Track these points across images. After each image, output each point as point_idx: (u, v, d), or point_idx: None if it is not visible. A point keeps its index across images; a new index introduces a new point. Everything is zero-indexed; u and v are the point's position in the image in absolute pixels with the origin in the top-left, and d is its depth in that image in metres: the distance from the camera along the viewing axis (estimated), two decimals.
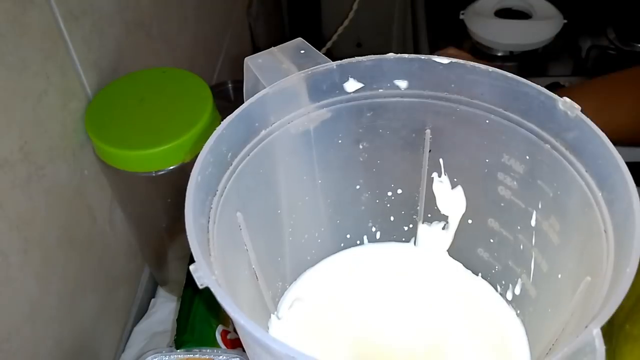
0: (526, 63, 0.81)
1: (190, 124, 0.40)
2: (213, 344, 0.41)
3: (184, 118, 0.41)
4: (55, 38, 0.38)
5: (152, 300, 0.55)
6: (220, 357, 0.38)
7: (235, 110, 0.29)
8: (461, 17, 0.83)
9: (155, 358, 0.39)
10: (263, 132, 0.31)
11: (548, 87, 0.33)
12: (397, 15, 1.22)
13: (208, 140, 0.28)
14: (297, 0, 1.27)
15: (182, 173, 0.41)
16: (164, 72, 0.45)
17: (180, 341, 0.40)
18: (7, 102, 0.34)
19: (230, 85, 0.60)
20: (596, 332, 0.20)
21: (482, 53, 0.82)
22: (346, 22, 1.08)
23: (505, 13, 0.83)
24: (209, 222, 0.27)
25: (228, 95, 0.58)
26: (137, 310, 0.53)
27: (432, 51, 0.84)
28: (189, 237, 0.24)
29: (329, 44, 1.08)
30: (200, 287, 0.23)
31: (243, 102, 0.30)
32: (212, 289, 0.22)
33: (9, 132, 0.35)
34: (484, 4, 0.84)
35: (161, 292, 0.55)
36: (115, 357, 0.50)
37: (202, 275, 0.23)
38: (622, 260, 0.23)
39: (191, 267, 0.23)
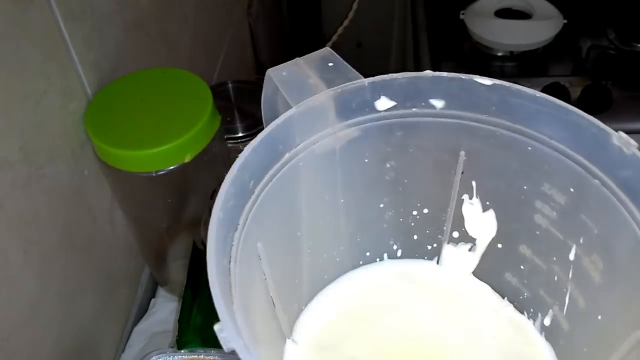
0: (526, 63, 0.81)
1: (190, 124, 0.40)
2: (215, 344, 0.41)
3: (184, 118, 0.41)
4: (55, 38, 0.38)
5: (152, 300, 0.55)
6: (225, 357, 0.38)
7: (259, 135, 0.27)
8: (461, 17, 0.83)
9: (160, 358, 0.38)
10: (287, 155, 0.29)
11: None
12: (397, 15, 1.22)
13: (230, 170, 0.26)
14: (297, 0, 1.27)
15: (182, 173, 0.41)
16: (164, 72, 0.45)
17: (183, 342, 0.40)
18: (7, 103, 0.34)
19: (230, 85, 0.60)
20: None
21: (482, 53, 0.82)
22: (346, 22, 1.08)
23: (505, 13, 0.83)
24: (230, 262, 0.25)
25: (228, 96, 0.58)
26: (137, 310, 0.53)
27: (432, 51, 0.84)
28: (212, 290, 0.22)
29: (329, 44, 1.08)
30: (227, 350, 0.21)
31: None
32: (240, 354, 0.21)
33: (9, 132, 0.35)
34: (484, 4, 0.84)
35: (161, 292, 0.55)
36: (115, 357, 0.50)
37: (229, 338, 0.21)
38: None
39: (216, 327, 0.21)
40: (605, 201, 0.27)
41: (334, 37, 1.09)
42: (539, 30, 0.80)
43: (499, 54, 0.82)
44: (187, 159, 0.40)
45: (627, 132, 0.75)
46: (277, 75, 0.30)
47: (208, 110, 0.41)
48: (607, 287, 0.29)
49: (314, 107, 0.29)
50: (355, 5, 1.07)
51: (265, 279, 0.30)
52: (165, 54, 0.57)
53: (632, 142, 0.26)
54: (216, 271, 0.23)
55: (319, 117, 0.30)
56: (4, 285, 0.35)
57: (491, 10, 0.83)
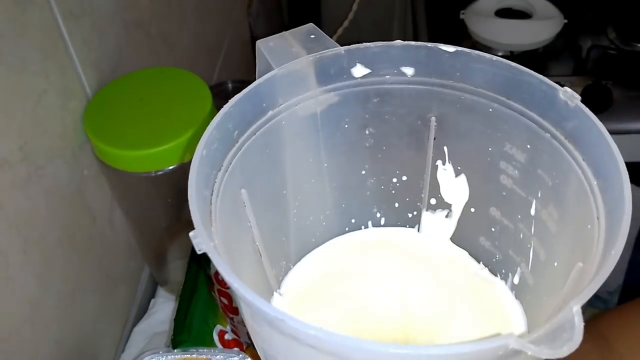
0: (526, 63, 0.81)
1: (190, 124, 0.40)
2: (210, 344, 0.41)
3: (183, 118, 0.41)
4: (55, 38, 0.38)
5: (152, 300, 0.55)
6: (217, 356, 0.38)
7: (244, 89, 0.30)
8: (461, 17, 0.83)
9: (153, 358, 0.38)
10: (270, 113, 0.31)
11: None
12: (397, 15, 1.22)
13: (215, 117, 0.28)
14: (297, 0, 1.27)
15: (182, 173, 0.41)
16: (163, 72, 0.45)
17: (177, 341, 0.40)
18: (6, 102, 0.34)
19: (230, 85, 0.60)
20: (576, 310, 0.20)
21: None
22: (346, 23, 1.08)
23: (505, 13, 0.83)
24: (212, 195, 0.27)
25: (228, 95, 0.58)
26: (137, 310, 0.53)
27: None
28: (190, 205, 0.24)
29: None
30: (199, 252, 0.23)
31: None
32: (210, 256, 0.23)
33: (9, 132, 0.35)
34: (484, 3, 0.84)
35: (161, 292, 0.55)
36: (115, 357, 0.50)
37: (201, 241, 0.23)
38: (610, 244, 0.24)
39: (191, 234, 0.23)
40: (555, 153, 0.29)
41: (334, 37, 1.09)
42: (540, 30, 0.80)
43: (499, 54, 0.82)
44: (187, 159, 0.40)
45: (628, 132, 0.75)
46: (264, 46, 0.32)
47: (207, 110, 0.41)
48: (561, 234, 0.30)
49: (294, 70, 0.31)
50: (355, 6, 1.07)
51: (251, 226, 0.32)
52: (165, 54, 0.57)
53: (576, 95, 0.28)
54: (196, 196, 0.25)
55: (300, 80, 0.32)
56: (4, 285, 0.35)
57: (491, 10, 0.83)
